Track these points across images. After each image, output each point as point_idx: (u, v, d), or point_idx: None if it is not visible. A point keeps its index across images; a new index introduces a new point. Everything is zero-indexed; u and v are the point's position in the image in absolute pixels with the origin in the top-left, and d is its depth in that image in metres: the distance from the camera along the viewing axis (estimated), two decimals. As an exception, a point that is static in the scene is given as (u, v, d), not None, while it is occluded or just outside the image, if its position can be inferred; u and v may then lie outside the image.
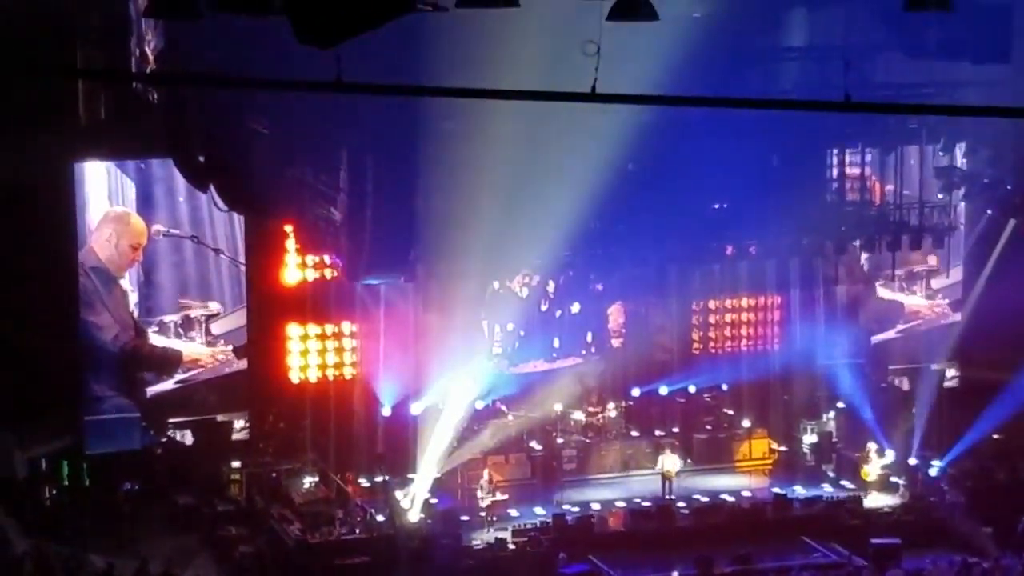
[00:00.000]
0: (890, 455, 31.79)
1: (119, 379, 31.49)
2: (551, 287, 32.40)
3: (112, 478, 30.12)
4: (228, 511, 29.68)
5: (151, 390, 31.86)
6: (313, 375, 31.14)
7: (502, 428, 31.54)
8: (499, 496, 30.04)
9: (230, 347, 32.30)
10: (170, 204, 31.97)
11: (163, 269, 32.31)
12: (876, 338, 34.93)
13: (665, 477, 31.12)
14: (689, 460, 32.14)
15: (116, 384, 31.44)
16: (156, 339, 32.20)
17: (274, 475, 30.46)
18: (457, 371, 30.67)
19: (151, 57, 29.43)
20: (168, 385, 32.05)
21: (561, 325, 32.73)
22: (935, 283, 35.81)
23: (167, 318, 32.38)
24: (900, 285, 35.35)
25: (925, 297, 35.89)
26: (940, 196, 33.00)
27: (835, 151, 31.50)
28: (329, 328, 31.12)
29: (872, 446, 31.78)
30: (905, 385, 34.75)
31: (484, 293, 31.64)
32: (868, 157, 31.93)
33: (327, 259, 30.64)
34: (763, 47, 29.38)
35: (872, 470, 31.55)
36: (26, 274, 29.41)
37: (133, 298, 32.21)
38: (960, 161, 33.57)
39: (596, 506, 30.52)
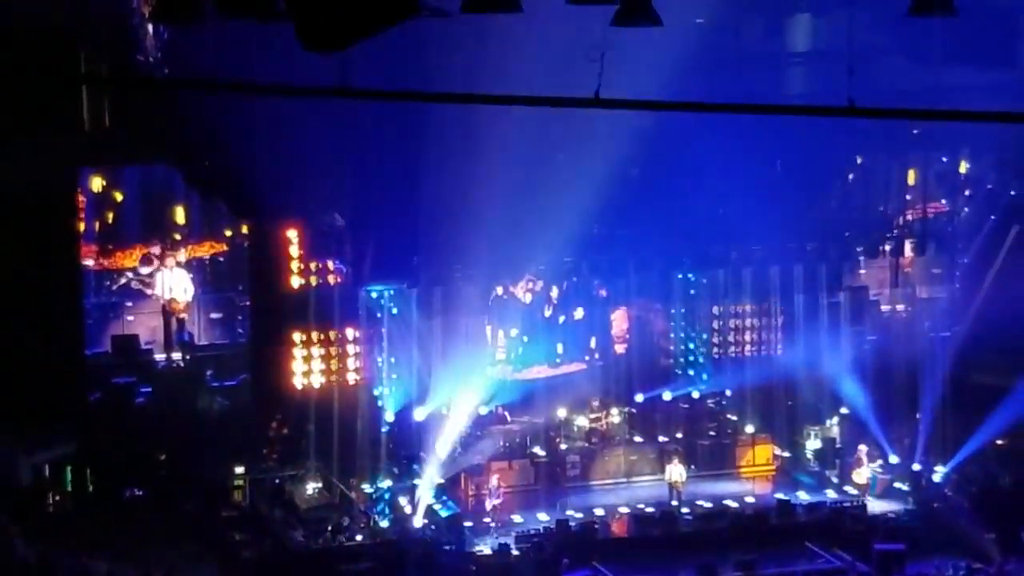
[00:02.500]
0: (893, 460, 31.77)
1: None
2: (555, 292, 32.45)
3: (116, 484, 30.08)
4: (232, 517, 29.62)
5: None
6: (316, 381, 31.07)
7: (505, 434, 31.55)
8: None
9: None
10: None
11: None
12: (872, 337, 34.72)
13: (673, 487, 31.07)
14: (693, 466, 32.07)
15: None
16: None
17: (278, 481, 30.45)
18: (460, 377, 30.68)
19: (152, 41, 29.05)
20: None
21: (565, 331, 32.74)
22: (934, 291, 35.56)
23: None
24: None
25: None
26: (943, 202, 33.01)
27: (839, 157, 31.47)
28: (333, 334, 31.07)
29: (863, 448, 31.69)
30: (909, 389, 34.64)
31: (488, 299, 31.69)
32: (872, 163, 31.92)
33: (331, 265, 30.63)
34: (767, 52, 29.42)
35: (864, 473, 31.49)
36: (29, 280, 29.34)
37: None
38: (964, 167, 33.56)
39: (600, 512, 30.47)
